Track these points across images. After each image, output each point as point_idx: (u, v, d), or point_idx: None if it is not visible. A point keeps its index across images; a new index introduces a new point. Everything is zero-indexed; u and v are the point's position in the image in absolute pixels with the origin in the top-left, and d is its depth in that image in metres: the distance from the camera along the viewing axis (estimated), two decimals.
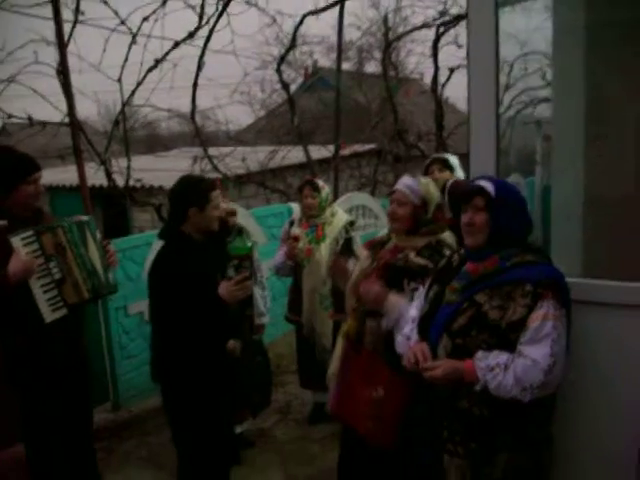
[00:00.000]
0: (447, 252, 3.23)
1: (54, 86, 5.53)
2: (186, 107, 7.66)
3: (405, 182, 3.51)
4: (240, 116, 16.04)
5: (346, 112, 14.48)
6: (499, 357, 2.54)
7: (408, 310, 3.10)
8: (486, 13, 3.20)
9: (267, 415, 5.41)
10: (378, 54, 14.33)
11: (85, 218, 3.94)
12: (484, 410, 2.62)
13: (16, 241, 3.55)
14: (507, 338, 2.55)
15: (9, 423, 3.46)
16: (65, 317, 3.71)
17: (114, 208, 9.27)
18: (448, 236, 3.50)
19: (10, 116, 5.78)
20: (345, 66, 15.20)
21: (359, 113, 15.59)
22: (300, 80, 17.25)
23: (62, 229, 3.72)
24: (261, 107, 17.49)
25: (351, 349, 3.53)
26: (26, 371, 3.78)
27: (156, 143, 29.45)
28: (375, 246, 3.65)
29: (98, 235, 3.92)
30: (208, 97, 8.90)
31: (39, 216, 3.87)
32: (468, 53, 3.30)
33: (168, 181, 10.17)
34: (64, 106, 5.60)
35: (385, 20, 12.52)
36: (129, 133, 7.90)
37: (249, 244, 3.74)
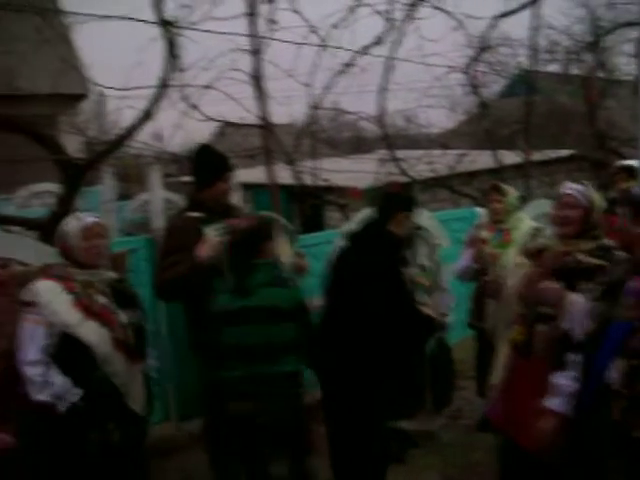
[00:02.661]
0: (618, 255, 3.12)
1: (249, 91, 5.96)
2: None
3: (573, 186, 3.48)
4: (442, 119, 16.00)
5: (551, 116, 13.97)
6: None
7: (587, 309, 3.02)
8: None
9: (436, 418, 5.43)
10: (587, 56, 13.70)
11: (282, 220, 4.31)
12: None
13: (209, 231, 3.95)
14: None
15: None
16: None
17: (309, 206, 9.65)
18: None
19: (208, 118, 6.25)
20: (552, 68, 14.67)
21: (564, 117, 14.99)
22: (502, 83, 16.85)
23: None
24: (462, 111, 17.32)
25: (518, 357, 3.49)
26: (210, 349, 4.15)
27: (360, 144, 30.01)
28: (533, 253, 3.59)
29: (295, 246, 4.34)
30: (400, 101, 9.03)
31: (229, 211, 4.27)
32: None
33: (355, 182, 10.40)
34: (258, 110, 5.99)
35: (594, 19, 11.96)
36: (329, 135, 8.21)
37: None
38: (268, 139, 5.90)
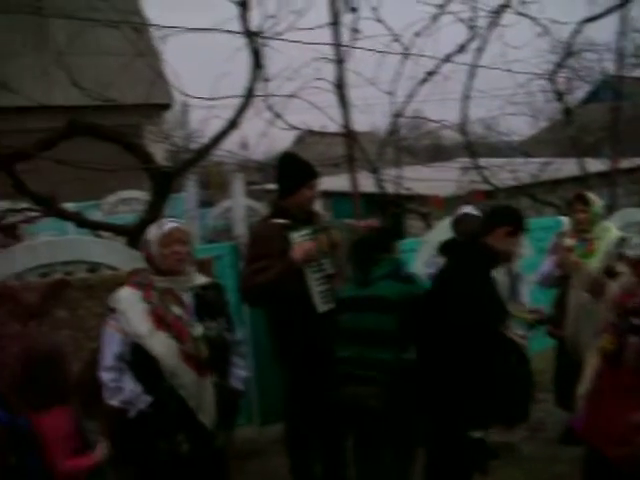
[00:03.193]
0: None
1: (332, 99, 6.04)
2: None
3: None
4: (524, 127, 15.71)
5: (639, 122, 13.56)
6: None
7: None
8: None
9: (516, 430, 5.34)
10: None
11: (358, 227, 4.40)
12: None
13: (295, 237, 4.02)
14: None
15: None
16: (333, 310, 4.08)
17: (390, 214, 9.64)
18: None
19: (293, 127, 6.34)
20: (638, 73, 14.25)
21: None
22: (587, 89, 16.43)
23: (336, 229, 4.14)
24: (545, 118, 16.97)
25: (607, 366, 3.43)
26: (294, 353, 4.22)
27: (439, 152, 29.83)
28: (635, 263, 3.51)
29: None
30: (482, 108, 8.92)
31: (313, 218, 4.32)
32: None
33: (437, 190, 10.33)
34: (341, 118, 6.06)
35: None
36: (409, 143, 8.18)
37: None
38: (351, 147, 5.94)
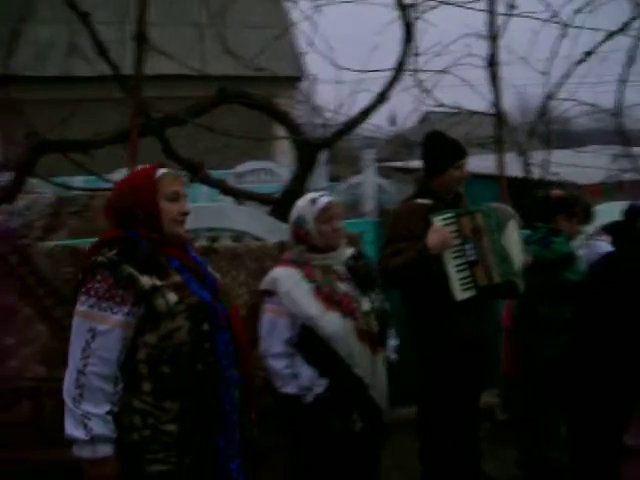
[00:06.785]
0: None
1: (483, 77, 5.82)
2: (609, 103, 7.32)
3: None
4: None
5: None
6: None
7: None
8: None
9: None
10: None
11: (510, 211, 4.16)
12: None
13: (437, 220, 3.87)
14: None
15: None
16: (474, 299, 3.91)
17: (525, 199, 9.30)
18: None
19: (441, 104, 6.16)
20: None
21: None
22: None
23: (481, 214, 3.97)
24: None
25: None
26: (428, 341, 4.08)
27: (567, 138, 28.70)
28: None
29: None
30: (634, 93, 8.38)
31: (459, 200, 4.16)
32: None
33: (581, 177, 9.86)
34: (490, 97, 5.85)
35: None
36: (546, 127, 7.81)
37: None
38: (500, 128, 5.72)
